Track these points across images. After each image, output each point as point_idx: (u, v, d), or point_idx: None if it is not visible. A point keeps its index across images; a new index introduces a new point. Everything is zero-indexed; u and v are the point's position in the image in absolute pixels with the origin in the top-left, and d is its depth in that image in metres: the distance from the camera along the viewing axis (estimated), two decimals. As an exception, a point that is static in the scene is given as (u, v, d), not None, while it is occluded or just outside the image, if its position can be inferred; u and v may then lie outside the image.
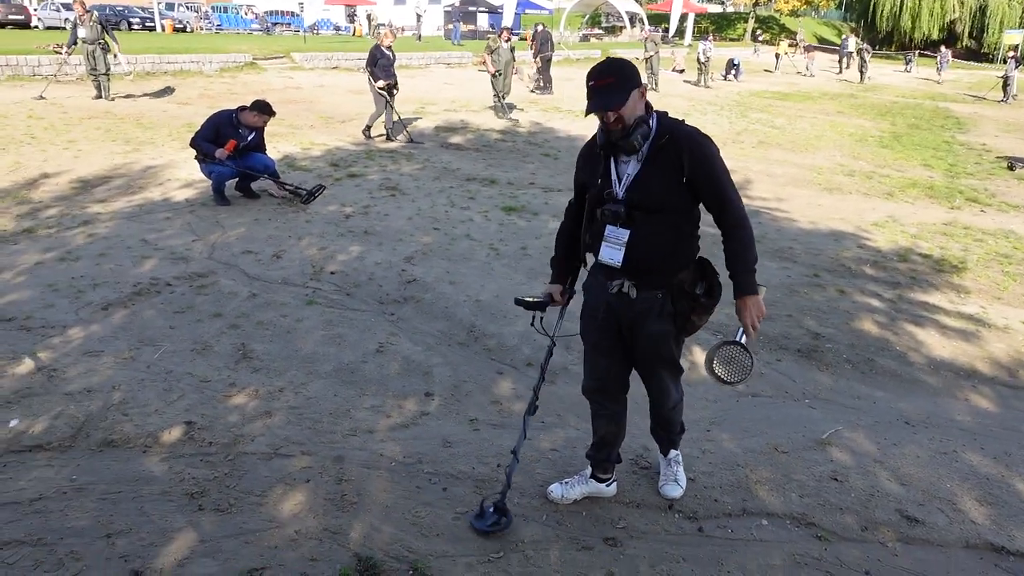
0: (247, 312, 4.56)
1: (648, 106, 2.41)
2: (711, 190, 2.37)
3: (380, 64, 10.27)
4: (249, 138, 6.86)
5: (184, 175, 7.86)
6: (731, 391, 4.01)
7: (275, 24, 38.42)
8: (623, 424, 2.86)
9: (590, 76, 2.34)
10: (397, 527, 2.73)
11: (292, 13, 38.99)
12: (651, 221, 2.39)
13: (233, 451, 3.16)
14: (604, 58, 2.51)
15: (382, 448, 3.24)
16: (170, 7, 35.85)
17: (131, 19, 31.60)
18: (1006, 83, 22.82)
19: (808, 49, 30.03)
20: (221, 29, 35.61)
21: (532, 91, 17.88)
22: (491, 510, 2.74)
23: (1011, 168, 11.68)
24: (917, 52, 33.11)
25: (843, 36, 39.32)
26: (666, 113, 2.46)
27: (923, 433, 3.62)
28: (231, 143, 6.68)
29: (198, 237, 5.93)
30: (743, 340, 2.47)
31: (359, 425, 3.44)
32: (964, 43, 42.67)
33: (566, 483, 2.94)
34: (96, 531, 2.61)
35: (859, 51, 28.13)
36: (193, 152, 6.88)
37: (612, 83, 2.31)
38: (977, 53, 40.82)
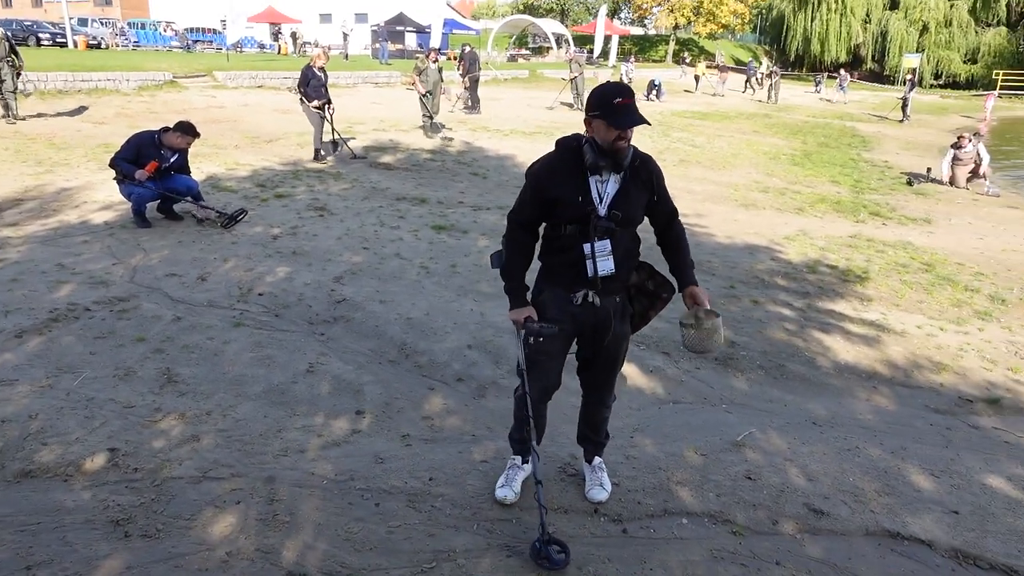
0: (172, 336, 4.48)
1: None
2: (666, 205, 2.79)
3: (312, 85, 10.23)
4: (172, 159, 6.73)
5: (102, 197, 7.63)
6: (652, 399, 4.20)
7: (196, 42, 37.48)
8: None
9: (615, 94, 2.53)
10: (330, 543, 2.76)
11: (214, 30, 38.16)
12: (625, 234, 2.70)
13: (160, 476, 3.12)
14: (607, 82, 2.72)
15: (314, 467, 3.26)
16: (83, 23, 34.58)
17: (40, 35, 30.26)
18: (904, 104, 24.44)
19: (721, 70, 31.36)
20: (139, 46, 34.50)
21: (461, 111, 18.06)
22: (549, 546, 2.67)
23: (910, 183, 12.53)
24: (826, 74, 35.05)
25: (749, 59, 41.32)
26: None
27: (829, 432, 3.88)
28: (152, 164, 6.53)
29: (118, 260, 5.78)
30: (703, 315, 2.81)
31: (290, 445, 3.45)
32: (868, 66, 45.40)
33: (509, 482, 3.07)
34: (15, 563, 2.54)
35: (770, 73, 29.58)
36: (112, 173, 6.69)
37: (634, 103, 2.56)
38: (880, 75, 43.47)
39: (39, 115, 12.67)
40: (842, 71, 34.45)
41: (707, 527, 3.00)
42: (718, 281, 6.33)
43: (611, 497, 3.11)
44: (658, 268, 2.93)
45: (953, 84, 42.66)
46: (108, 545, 2.67)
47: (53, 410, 3.56)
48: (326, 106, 10.40)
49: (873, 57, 45.04)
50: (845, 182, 12.24)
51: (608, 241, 2.66)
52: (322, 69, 10.41)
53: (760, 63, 36.84)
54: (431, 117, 13.79)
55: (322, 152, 10.66)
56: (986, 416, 4.32)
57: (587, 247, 2.64)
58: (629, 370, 4.52)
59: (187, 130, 6.66)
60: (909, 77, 28.00)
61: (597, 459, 3.18)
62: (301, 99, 10.38)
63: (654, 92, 25.73)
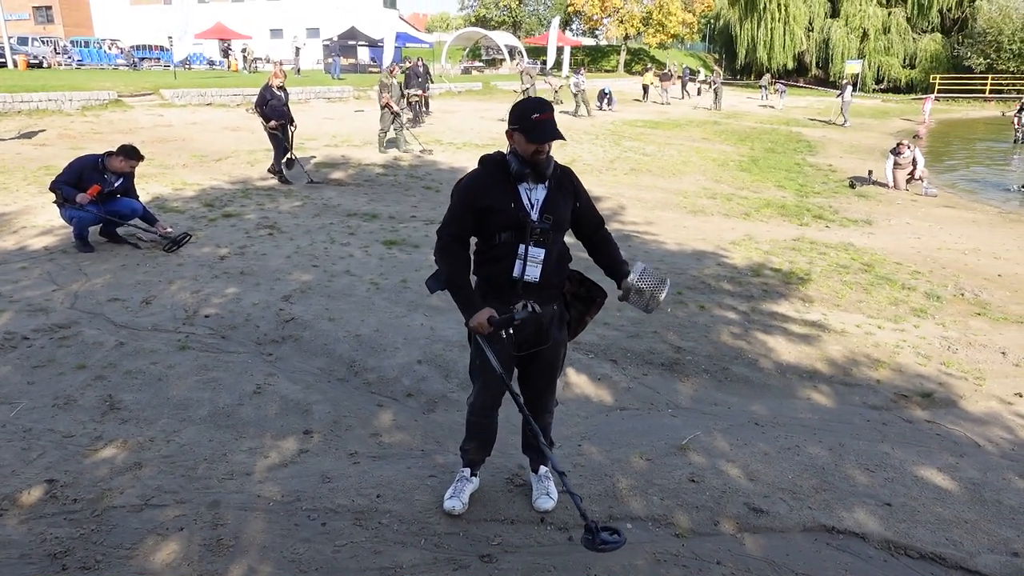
0: (114, 362, 4.40)
1: None
2: (591, 211, 2.95)
3: (271, 105, 10.02)
4: (116, 183, 6.61)
5: (42, 221, 7.45)
6: (600, 406, 4.27)
7: (143, 59, 36.75)
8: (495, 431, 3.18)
9: (533, 110, 2.68)
10: (275, 566, 2.75)
11: (161, 47, 37.51)
12: (556, 240, 2.80)
13: (100, 506, 3.07)
14: (528, 97, 2.91)
15: (259, 489, 3.24)
16: (23, 41, 33.61)
17: (-23, 54, 29.31)
18: (845, 106, 25.25)
19: (663, 78, 31.94)
20: (83, 65, 33.72)
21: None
22: (600, 533, 2.53)
23: (852, 186, 12.94)
24: (772, 81, 35.95)
25: (684, 66, 42.23)
26: None
27: (771, 432, 3.99)
28: (95, 188, 6.41)
29: (59, 287, 5.65)
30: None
31: (235, 468, 3.42)
32: (813, 72, 46.68)
33: (457, 494, 3.12)
34: (-54, 604, 2.48)
35: (710, 81, 30.29)
36: (52, 196, 6.54)
37: (552, 118, 2.70)
38: (825, 81, 44.73)
39: (-24, 138, 12.31)
40: (767, 77, 35.76)
41: (651, 531, 3.07)
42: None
43: (558, 505, 3.16)
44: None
45: (894, 88, 44.13)
46: (44, 579, 2.62)
47: (-12, 443, 3.47)
48: (287, 126, 10.19)
49: (817, 64, 46.32)
50: (790, 187, 12.57)
51: (543, 250, 2.75)
52: (281, 88, 10.21)
53: (698, 71, 37.82)
54: (398, 130, 13.83)
55: (284, 174, 10.38)
56: (920, 410, 4.49)
57: (521, 248, 2.74)
58: (577, 379, 4.59)
59: (130, 154, 6.55)
60: (845, 81, 28.94)
61: (543, 468, 3.23)
62: (261, 121, 10.16)
63: (605, 100, 26.08)
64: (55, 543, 2.81)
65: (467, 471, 3.19)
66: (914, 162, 12.87)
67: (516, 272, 2.76)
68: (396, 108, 13.62)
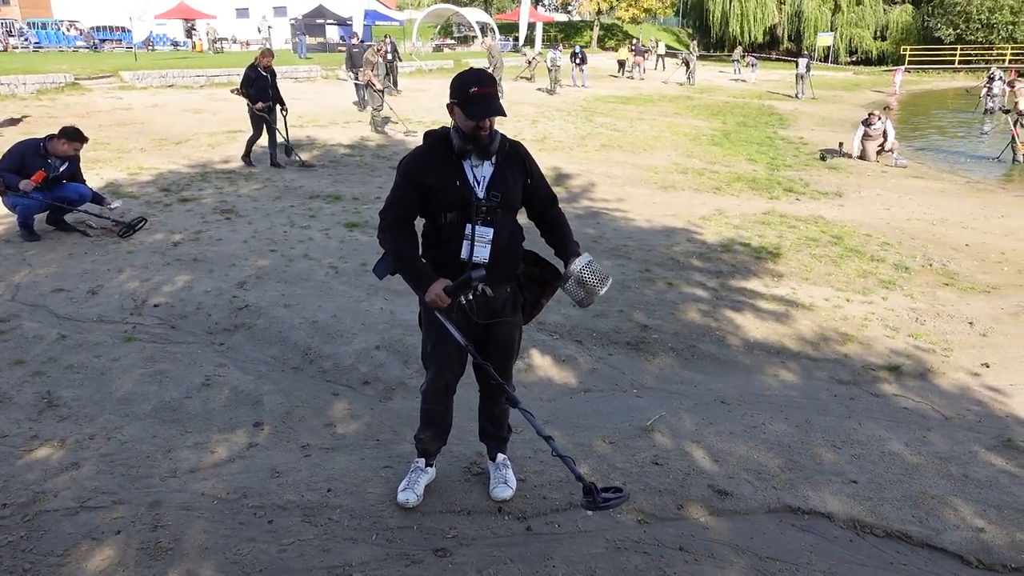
0: (55, 356, 4.20)
1: None
2: (543, 188, 2.79)
3: (257, 85, 9.65)
4: (61, 168, 6.32)
5: (-14, 210, 7.13)
6: (564, 388, 4.15)
7: (103, 41, 35.71)
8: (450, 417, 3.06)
9: (472, 83, 2.49)
10: (216, 569, 2.60)
11: (123, 28, 36.43)
12: (506, 219, 2.64)
13: (32, 511, 2.89)
14: (469, 68, 2.65)
15: (204, 487, 3.09)
16: (-24, 24, 32.50)
17: (-72, 38, 28.31)
18: (799, 79, 25.12)
19: (636, 53, 31.67)
20: (40, 47, 32.64)
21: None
22: (601, 493, 2.53)
23: (823, 159, 12.91)
24: (744, 55, 35.81)
25: (637, 39, 42.01)
26: None
27: (737, 410, 3.91)
28: (39, 174, 6.13)
29: None
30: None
31: (179, 466, 3.26)
32: (785, 46, 46.64)
33: (411, 485, 2.99)
34: None
35: (687, 57, 30.05)
36: (-5, 185, 6.25)
37: (494, 92, 2.53)
38: (797, 55, 44.71)
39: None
40: (739, 51, 35.61)
41: (611, 517, 2.96)
42: (634, 265, 6.34)
43: (517, 493, 3.05)
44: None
45: (866, 60, 44.26)
46: (-34, 591, 2.46)
47: (-87, 446, 3.27)
48: (277, 108, 9.89)
49: (790, 37, 46.28)
50: (761, 160, 12.51)
51: (491, 229, 2.60)
52: (267, 68, 9.83)
53: (655, 45, 37.75)
54: (379, 110, 13.53)
55: (251, 159, 10.07)
56: (887, 384, 4.44)
57: (468, 228, 2.59)
58: (541, 361, 4.47)
59: (72, 136, 6.26)
60: (805, 54, 28.82)
61: (500, 456, 3.12)
62: (247, 102, 9.72)
63: (578, 59, 25.64)
64: (-21, 552, 2.64)
65: (422, 461, 3.06)
66: (884, 134, 12.86)
67: (464, 253, 2.61)
68: (379, 85, 13.32)
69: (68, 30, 35.79)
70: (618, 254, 6.64)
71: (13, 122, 12.39)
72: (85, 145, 6.52)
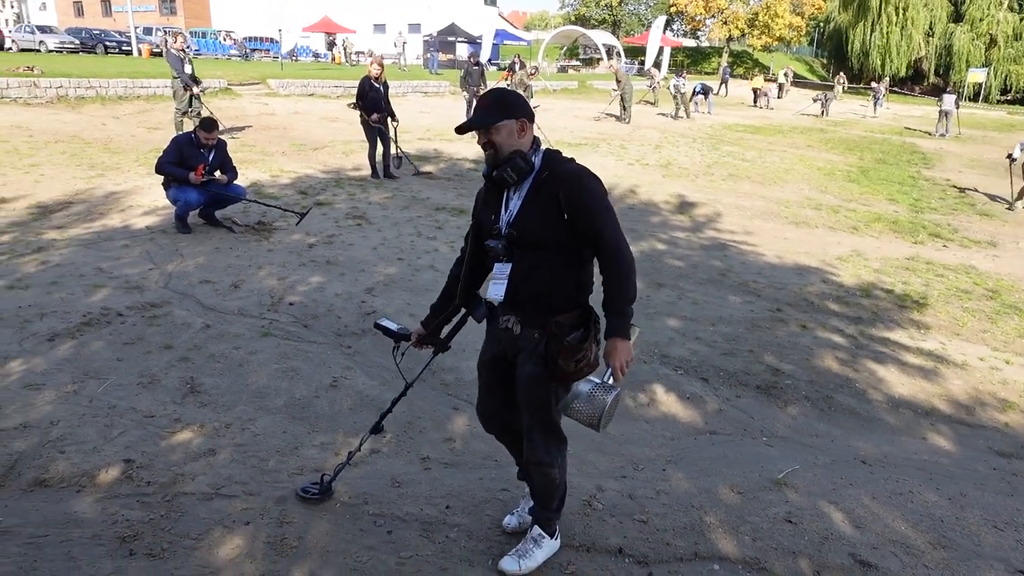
0: (199, 344, 4.44)
1: (535, 142, 2.41)
2: (585, 224, 2.29)
3: (370, 98, 9.65)
4: (211, 158, 6.77)
5: (147, 201, 7.74)
6: (688, 428, 3.97)
7: (254, 50, 38.45)
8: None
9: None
10: (337, 573, 2.63)
11: (271, 39, 39.08)
12: (531, 257, 2.36)
13: (172, 491, 3.04)
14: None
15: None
16: (148, 31, 35.80)
17: (107, 43, 31.42)
18: (942, 115, 23.36)
19: (768, 80, 30.66)
20: (199, 54, 35.53)
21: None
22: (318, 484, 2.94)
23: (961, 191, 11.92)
24: (886, 89, 33.85)
25: (724, 64, 40.57)
26: (558, 152, 2.44)
27: (880, 472, 3.60)
28: (200, 168, 6.58)
29: (155, 266, 5.80)
30: (610, 381, 2.33)
31: (306, 463, 3.34)
32: (931, 80, 43.88)
33: (517, 513, 2.92)
34: (17, 578, 2.48)
35: (824, 88, 28.74)
36: (159, 179, 6.76)
37: (487, 106, 2.37)
38: (943, 90, 41.99)
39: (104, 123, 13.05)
40: (884, 83, 33.45)
41: (740, 575, 2.77)
42: (763, 303, 6.04)
43: (638, 535, 2.91)
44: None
45: (1022, 100, 40.90)
46: (112, 563, 2.59)
47: (75, 417, 3.53)
48: (388, 120, 9.84)
49: (936, 71, 43.51)
50: (903, 200, 11.71)
51: (508, 265, 2.39)
52: (378, 80, 9.78)
53: (777, 76, 36.25)
54: None
55: (378, 171, 10.09)
56: (1057, 461, 3.96)
57: (495, 267, 2.47)
58: (664, 397, 4.30)
59: (207, 126, 6.71)
60: (948, 89, 26.32)
61: (535, 528, 2.73)
62: (360, 114, 9.79)
63: (700, 95, 25.12)
64: (125, 526, 2.79)
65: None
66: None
67: (489, 291, 2.47)
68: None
69: (224, 39, 38.78)
70: (747, 290, 6.35)
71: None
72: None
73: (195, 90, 12.13)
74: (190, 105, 12.08)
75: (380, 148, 10.05)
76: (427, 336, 2.89)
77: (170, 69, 12.09)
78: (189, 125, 12.38)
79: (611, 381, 2.31)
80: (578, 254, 2.36)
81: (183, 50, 12.12)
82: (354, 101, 9.91)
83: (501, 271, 2.41)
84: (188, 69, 11.98)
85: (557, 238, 2.32)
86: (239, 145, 11.88)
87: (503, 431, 2.78)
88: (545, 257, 2.34)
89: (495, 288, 2.43)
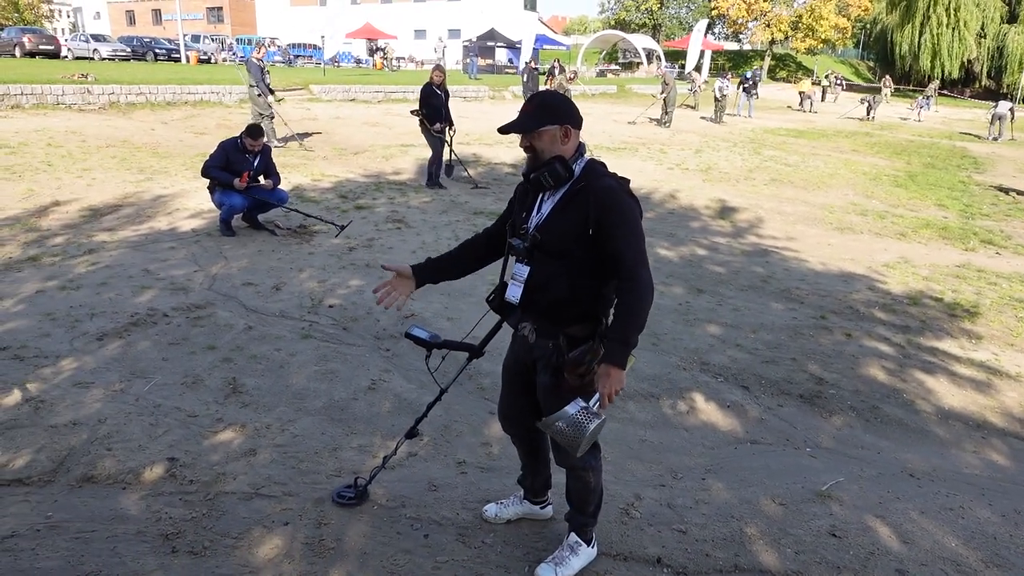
0: (241, 345, 4.52)
1: (580, 148, 2.37)
2: (608, 243, 2.23)
3: (432, 104, 9.46)
4: (255, 164, 6.90)
5: (193, 205, 7.93)
6: (728, 437, 3.90)
7: (297, 56, 39.19)
8: (539, 455, 2.85)
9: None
10: (374, 575, 2.64)
11: (314, 46, 39.79)
12: (551, 264, 2.32)
13: (213, 490, 3.09)
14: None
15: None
16: (196, 39, 36.76)
17: (156, 50, 32.35)
18: (995, 119, 22.65)
19: (814, 83, 30.12)
20: (245, 61, 36.34)
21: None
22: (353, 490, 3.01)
23: (1005, 192, 11.56)
24: (936, 91, 32.94)
25: (755, 67, 39.84)
26: (602, 164, 2.39)
27: (928, 487, 3.48)
28: (245, 175, 6.72)
29: (200, 268, 5.93)
30: (595, 407, 2.22)
31: (344, 465, 3.37)
32: (982, 83, 42.61)
33: (501, 503, 2.99)
34: (66, 572, 2.55)
35: (871, 91, 28.13)
36: (206, 182, 6.92)
37: (531, 110, 2.31)
38: (996, 93, 40.70)
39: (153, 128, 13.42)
40: (933, 86, 32.60)
41: (784, 588, 2.70)
42: (807, 310, 5.91)
43: (677, 546, 2.87)
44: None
45: (1080, 103, 39.43)
46: (155, 560, 2.64)
47: (122, 415, 3.62)
48: (447, 128, 9.70)
49: (989, 74, 42.23)
50: (953, 206, 11.37)
51: (526, 268, 2.36)
52: (441, 87, 9.61)
53: (821, 79, 35.54)
54: None
55: (435, 178, 9.95)
56: (1119, 479, 3.78)
57: (511, 260, 2.46)
58: (704, 405, 4.23)
59: (253, 133, 6.83)
60: (1003, 93, 25.54)
61: (572, 535, 2.72)
62: (421, 121, 9.58)
63: (751, 82, 24.78)
64: (168, 523, 2.85)
65: (522, 492, 2.98)
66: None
67: (508, 292, 2.46)
68: None
69: (269, 46, 39.60)
70: (789, 297, 6.22)
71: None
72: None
73: (270, 100, 12.38)
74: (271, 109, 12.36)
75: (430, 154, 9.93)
76: (398, 280, 2.76)
77: (248, 77, 12.30)
78: (283, 129, 12.78)
79: (597, 408, 2.22)
80: (601, 268, 2.29)
81: (262, 59, 12.42)
82: (418, 110, 9.68)
83: (520, 273, 2.39)
84: (267, 79, 12.25)
85: (580, 250, 2.28)
86: (281, 149, 12.10)
87: (519, 435, 2.81)
88: (565, 266, 2.30)
89: (512, 289, 2.44)
